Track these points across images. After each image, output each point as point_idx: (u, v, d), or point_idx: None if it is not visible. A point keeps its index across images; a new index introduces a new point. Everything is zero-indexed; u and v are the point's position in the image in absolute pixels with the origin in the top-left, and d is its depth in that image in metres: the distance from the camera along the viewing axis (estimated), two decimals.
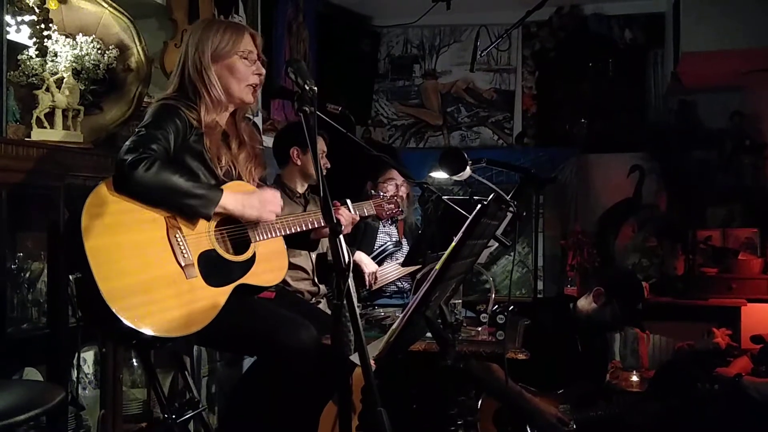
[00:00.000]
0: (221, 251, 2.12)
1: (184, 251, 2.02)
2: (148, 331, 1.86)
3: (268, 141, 3.72)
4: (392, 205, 2.74)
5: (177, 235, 2.02)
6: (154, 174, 1.95)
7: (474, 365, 2.57)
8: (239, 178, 2.27)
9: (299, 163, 3.26)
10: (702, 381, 3.26)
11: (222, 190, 2.08)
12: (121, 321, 1.83)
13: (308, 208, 3.29)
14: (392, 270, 3.52)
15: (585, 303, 3.27)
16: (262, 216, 2.16)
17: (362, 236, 3.56)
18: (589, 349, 3.30)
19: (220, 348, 2.99)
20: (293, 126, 3.49)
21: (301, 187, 3.32)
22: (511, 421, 2.94)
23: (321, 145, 3.24)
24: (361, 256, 3.43)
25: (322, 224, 2.34)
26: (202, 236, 2.08)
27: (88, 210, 1.90)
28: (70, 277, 1.94)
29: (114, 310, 1.83)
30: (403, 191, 3.64)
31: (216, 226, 2.14)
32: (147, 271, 1.94)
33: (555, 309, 3.40)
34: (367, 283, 3.42)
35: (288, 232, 2.28)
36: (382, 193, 2.80)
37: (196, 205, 2.02)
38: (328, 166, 3.26)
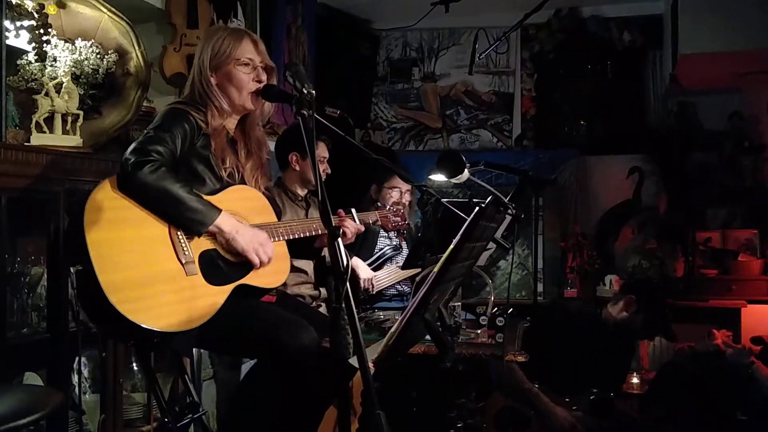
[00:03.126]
0: (222, 251, 2.12)
1: (185, 249, 2.02)
2: (144, 324, 1.86)
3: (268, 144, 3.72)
4: (398, 218, 2.72)
5: (179, 233, 2.03)
6: (156, 178, 1.96)
7: (495, 364, 2.57)
8: (243, 181, 2.28)
9: (297, 168, 3.26)
10: (703, 382, 3.26)
11: (220, 211, 2.06)
12: (118, 313, 1.83)
13: (309, 211, 3.29)
14: (391, 274, 3.51)
15: (615, 310, 3.28)
16: (247, 253, 2.10)
17: (363, 239, 3.55)
18: (613, 356, 3.30)
19: (220, 350, 2.98)
20: (293, 131, 3.47)
21: (301, 191, 3.32)
22: (512, 423, 2.94)
23: (322, 151, 3.23)
24: (357, 262, 3.42)
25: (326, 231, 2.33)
26: (204, 235, 2.09)
27: (92, 204, 1.91)
28: (71, 269, 1.94)
29: (112, 302, 1.83)
30: (407, 198, 3.63)
31: None
32: (147, 266, 1.95)
33: (579, 312, 3.40)
34: (362, 289, 3.40)
35: (291, 237, 2.27)
36: (388, 206, 2.77)
37: (189, 219, 2.02)
38: (329, 171, 3.25)
